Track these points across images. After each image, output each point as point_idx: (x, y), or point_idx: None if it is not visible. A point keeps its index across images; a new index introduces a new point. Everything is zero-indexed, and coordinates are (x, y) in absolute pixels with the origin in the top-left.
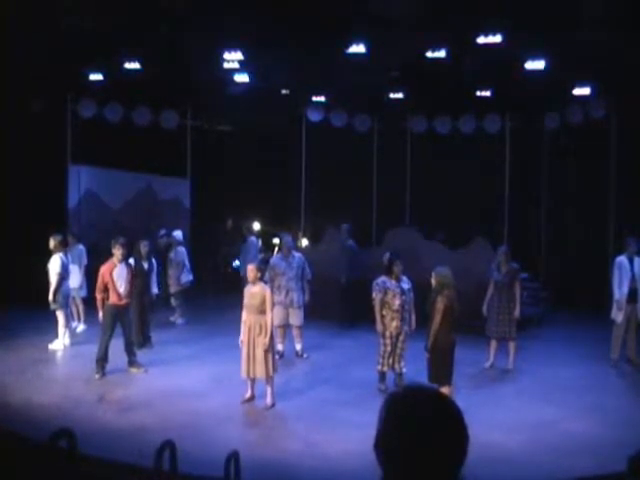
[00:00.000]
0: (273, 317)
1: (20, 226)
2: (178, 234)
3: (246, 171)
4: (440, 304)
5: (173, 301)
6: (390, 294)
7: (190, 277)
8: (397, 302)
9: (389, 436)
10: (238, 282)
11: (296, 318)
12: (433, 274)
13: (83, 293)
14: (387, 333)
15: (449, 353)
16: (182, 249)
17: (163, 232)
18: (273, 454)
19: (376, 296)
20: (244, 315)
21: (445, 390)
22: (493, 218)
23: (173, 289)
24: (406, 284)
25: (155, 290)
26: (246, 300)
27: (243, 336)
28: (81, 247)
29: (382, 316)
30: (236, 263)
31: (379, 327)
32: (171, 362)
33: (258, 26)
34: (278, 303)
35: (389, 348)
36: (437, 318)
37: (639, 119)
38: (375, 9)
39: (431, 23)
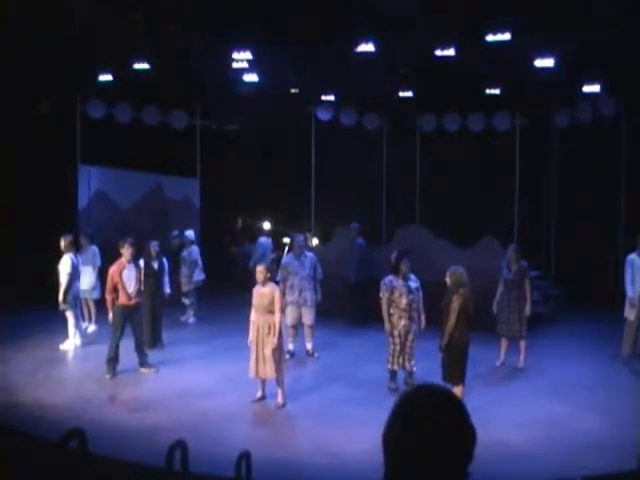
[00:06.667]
0: (286, 316)
1: (31, 227)
2: (190, 233)
3: (256, 170)
4: (455, 303)
5: (185, 300)
6: (397, 293)
7: (202, 276)
8: (404, 301)
9: (393, 434)
10: (248, 282)
11: (308, 317)
12: (448, 273)
13: (96, 294)
14: (395, 332)
15: (463, 352)
16: (196, 248)
17: (176, 233)
18: (284, 453)
19: (383, 295)
20: (253, 315)
21: (458, 389)
22: (503, 216)
23: (185, 288)
24: (414, 283)
25: (168, 290)
26: (255, 300)
27: (252, 336)
28: (94, 248)
29: (390, 315)
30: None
31: (387, 326)
32: (182, 362)
33: (267, 25)
34: (291, 302)
35: (398, 347)
36: (452, 317)
37: None
38: (384, 8)
39: (440, 21)
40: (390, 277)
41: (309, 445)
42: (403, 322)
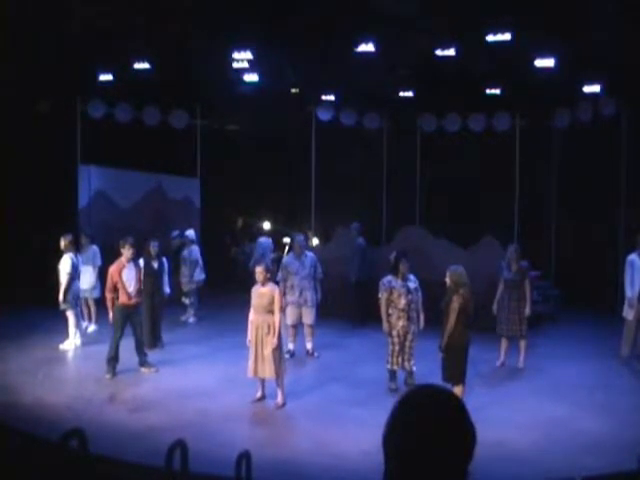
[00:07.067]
0: (287, 316)
1: (31, 227)
2: (191, 233)
3: (256, 170)
4: (455, 303)
5: (185, 299)
6: (395, 293)
7: (203, 276)
8: (403, 301)
9: (393, 434)
10: (248, 281)
11: (308, 317)
12: (448, 273)
13: (96, 294)
14: (394, 332)
15: (463, 352)
16: (196, 247)
17: (176, 233)
18: (284, 453)
19: (382, 295)
20: (251, 315)
21: (458, 389)
22: (503, 216)
23: (186, 287)
24: (412, 283)
25: (167, 290)
26: (254, 300)
27: (250, 336)
28: (95, 248)
29: (388, 315)
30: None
31: (385, 326)
32: (182, 361)
33: (267, 25)
34: (292, 302)
35: (397, 347)
36: (452, 317)
37: None
38: (384, 8)
39: (440, 21)
40: (389, 277)
41: (309, 445)
42: (402, 322)
